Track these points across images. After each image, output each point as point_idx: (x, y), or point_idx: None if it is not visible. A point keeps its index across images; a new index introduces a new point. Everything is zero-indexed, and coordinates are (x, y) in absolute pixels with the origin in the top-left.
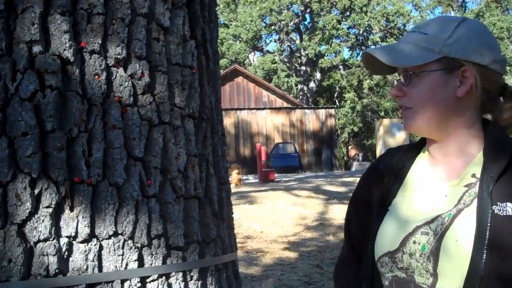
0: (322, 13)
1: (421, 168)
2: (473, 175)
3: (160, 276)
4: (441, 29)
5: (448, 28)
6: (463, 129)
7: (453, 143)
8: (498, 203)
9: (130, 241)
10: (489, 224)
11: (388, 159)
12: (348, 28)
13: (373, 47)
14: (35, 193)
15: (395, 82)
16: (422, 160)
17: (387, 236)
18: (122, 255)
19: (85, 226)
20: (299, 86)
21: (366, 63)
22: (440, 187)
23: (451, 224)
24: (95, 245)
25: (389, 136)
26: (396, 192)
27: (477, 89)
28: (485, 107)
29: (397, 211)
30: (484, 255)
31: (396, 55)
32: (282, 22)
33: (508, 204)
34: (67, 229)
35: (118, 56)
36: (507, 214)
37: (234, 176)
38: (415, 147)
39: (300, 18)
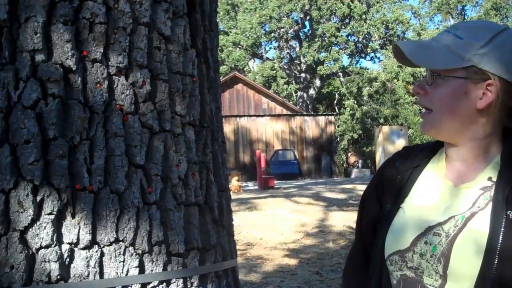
0: (321, 21)
1: (437, 168)
2: (489, 179)
3: (160, 282)
4: (477, 37)
5: (483, 37)
6: (481, 139)
7: (470, 150)
8: None
9: (131, 248)
10: (502, 229)
11: (404, 157)
12: (347, 36)
13: (405, 40)
14: (37, 200)
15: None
16: (438, 160)
17: (399, 234)
18: (123, 261)
19: (87, 233)
20: (299, 93)
21: (396, 53)
22: (455, 188)
23: (464, 227)
24: (96, 251)
25: (389, 143)
26: (409, 190)
27: (497, 103)
28: (503, 121)
29: (410, 210)
30: (496, 260)
31: (423, 53)
32: (282, 30)
33: None
34: (68, 235)
35: (120, 65)
36: None
37: (233, 183)
38: (432, 147)
39: (300, 26)
